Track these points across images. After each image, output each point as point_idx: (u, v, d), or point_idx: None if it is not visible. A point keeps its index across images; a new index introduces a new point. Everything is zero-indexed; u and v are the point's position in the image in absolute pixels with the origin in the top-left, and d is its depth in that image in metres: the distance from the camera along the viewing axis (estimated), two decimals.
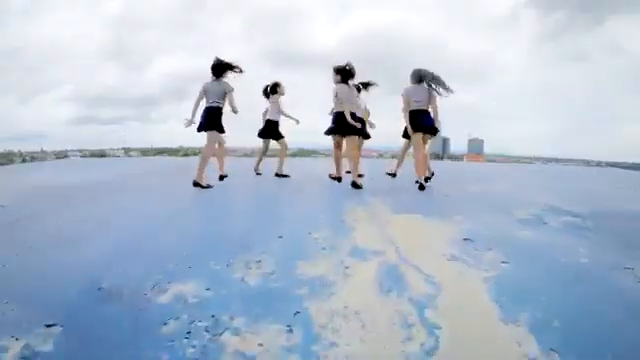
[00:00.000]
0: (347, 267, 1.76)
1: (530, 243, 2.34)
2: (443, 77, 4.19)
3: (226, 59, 4.11)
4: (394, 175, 5.33)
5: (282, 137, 5.25)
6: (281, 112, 5.21)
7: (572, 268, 1.93)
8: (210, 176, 4.32)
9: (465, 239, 2.36)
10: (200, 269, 1.77)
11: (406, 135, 4.51)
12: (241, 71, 4.15)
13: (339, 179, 4.66)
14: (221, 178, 4.38)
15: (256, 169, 5.52)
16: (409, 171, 5.77)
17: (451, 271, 1.79)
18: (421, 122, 4.22)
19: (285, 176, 5.13)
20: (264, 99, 5.29)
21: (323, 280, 1.62)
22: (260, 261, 1.83)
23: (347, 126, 4.24)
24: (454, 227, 2.64)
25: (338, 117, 4.32)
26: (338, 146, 4.59)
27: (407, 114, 4.24)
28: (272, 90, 5.19)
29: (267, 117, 5.21)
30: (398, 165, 5.33)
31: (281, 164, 5.22)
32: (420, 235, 2.40)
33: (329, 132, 4.49)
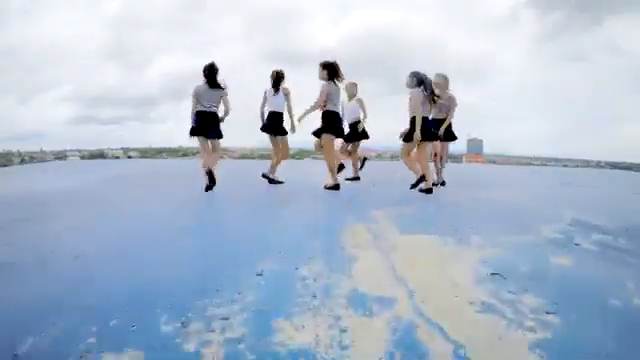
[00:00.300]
0: (344, 330, 1.28)
1: (570, 277, 1.89)
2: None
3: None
4: (443, 183, 4.89)
5: (286, 133, 4.49)
6: (289, 106, 4.40)
7: (630, 316, 1.49)
8: (197, 184, 3.89)
9: (493, 274, 1.90)
10: (146, 331, 1.30)
11: (406, 139, 4.18)
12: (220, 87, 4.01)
13: (337, 186, 4.21)
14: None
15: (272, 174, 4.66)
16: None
17: (486, 332, 1.32)
18: (429, 129, 4.07)
19: (279, 182, 4.61)
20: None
21: (310, 358, 1.14)
22: (227, 318, 1.35)
23: (335, 127, 4.08)
24: (475, 253, 2.18)
25: (329, 116, 4.10)
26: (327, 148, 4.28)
27: (420, 119, 3.98)
28: (279, 79, 4.39)
29: (270, 109, 4.37)
30: (438, 172, 4.90)
31: (274, 167, 4.61)
32: (437, 268, 1.92)
33: (317, 133, 4.24)
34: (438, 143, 4.51)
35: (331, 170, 4.20)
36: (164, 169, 6.80)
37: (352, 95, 4.87)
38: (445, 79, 4.39)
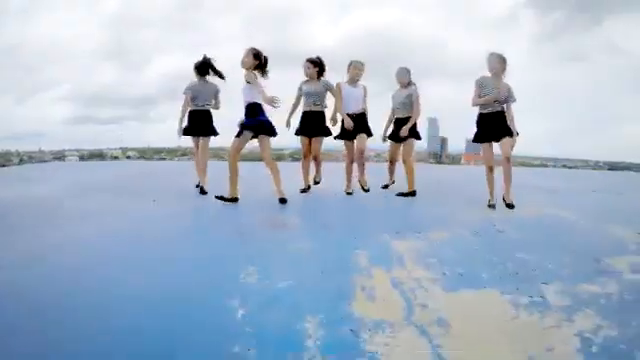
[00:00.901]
0: None
1: None
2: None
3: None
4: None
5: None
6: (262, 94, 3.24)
7: None
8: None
9: None
10: None
11: (392, 139, 3.98)
12: (222, 77, 3.83)
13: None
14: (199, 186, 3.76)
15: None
16: (427, 185, 4.47)
17: None
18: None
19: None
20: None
21: None
22: None
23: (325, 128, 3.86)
24: (568, 329, 1.41)
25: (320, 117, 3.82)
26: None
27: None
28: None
29: (250, 100, 3.29)
30: (507, 188, 3.43)
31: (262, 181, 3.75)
32: None
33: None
34: (506, 143, 3.25)
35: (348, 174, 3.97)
36: (150, 172, 5.84)
37: (356, 79, 3.79)
38: (503, 61, 3.21)
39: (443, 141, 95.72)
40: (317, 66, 3.72)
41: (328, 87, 3.76)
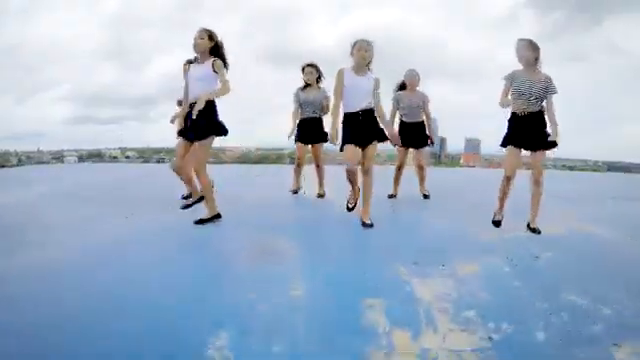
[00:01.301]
0: None
1: None
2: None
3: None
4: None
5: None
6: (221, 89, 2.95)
7: None
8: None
9: None
10: None
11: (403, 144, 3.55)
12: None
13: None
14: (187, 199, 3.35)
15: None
16: (435, 192, 4.00)
17: None
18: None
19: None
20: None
21: None
22: None
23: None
24: None
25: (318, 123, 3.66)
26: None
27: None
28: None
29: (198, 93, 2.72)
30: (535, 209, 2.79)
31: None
32: None
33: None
34: (539, 153, 2.68)
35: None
36: (136, 176, 5.36)
37: (363, 63, 2.67)
38: (535, 48, 2.58)
39: (442, 141, 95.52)
40: (318, 71, 3.62)
41: (327, 98, 3.59)
